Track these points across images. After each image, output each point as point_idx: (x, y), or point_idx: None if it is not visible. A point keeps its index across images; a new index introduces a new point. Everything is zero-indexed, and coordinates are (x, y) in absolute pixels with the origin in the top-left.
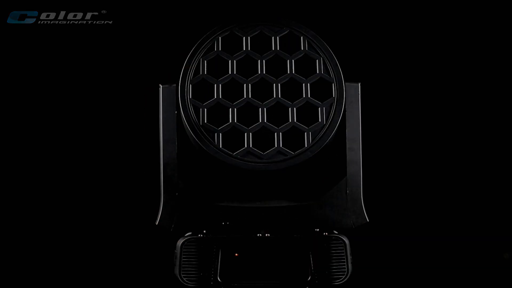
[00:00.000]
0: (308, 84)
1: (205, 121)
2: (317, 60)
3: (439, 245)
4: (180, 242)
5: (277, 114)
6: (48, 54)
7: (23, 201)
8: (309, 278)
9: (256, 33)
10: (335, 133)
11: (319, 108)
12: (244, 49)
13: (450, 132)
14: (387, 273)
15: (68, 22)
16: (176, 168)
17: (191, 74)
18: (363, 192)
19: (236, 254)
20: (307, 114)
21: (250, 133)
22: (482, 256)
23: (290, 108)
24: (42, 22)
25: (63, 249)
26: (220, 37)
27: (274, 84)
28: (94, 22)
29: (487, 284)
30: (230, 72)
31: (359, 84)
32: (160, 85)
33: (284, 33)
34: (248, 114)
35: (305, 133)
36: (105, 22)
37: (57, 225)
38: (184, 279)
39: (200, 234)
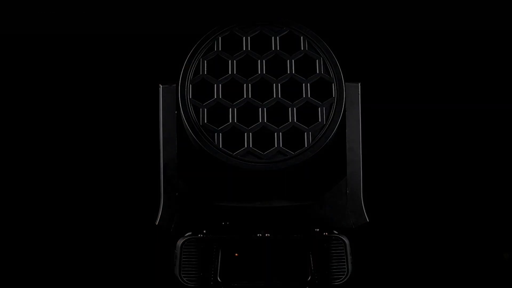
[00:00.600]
0: (308, 84)
1: (205, 121)
2: (317, 60)
3: (439, 245)
4: (180, 242)
5: (277, 114)
6: (48, 54)
7: (23, 202)
8: (309, 278)
9: (256, 33)
10: (335, 133)
11: (319, 108)
12: (244, 49)
13: (450, 132)
14: (387, 273)
15: (68, 21)
16: (176, 168)
17: (191, 74)
18: (363, 192)
19: (236, 254)
20: (307, 114)
21: (250, 133)
22: (482, 256)
23: (290, 108)
24: (41, 21)
25: (63, 249)
26: (220, 37)
27: (274, 84)
28: (94, 21)
29: (487, 284)
30: (230, 72)
31: (359, 84)
32: (160, 85)
33: (284, 33)
34: (248, 114)
35: (305, 133)
36: (105, 22)
37: (57, 225)
38: (184, 279)
39: (200, 234)
